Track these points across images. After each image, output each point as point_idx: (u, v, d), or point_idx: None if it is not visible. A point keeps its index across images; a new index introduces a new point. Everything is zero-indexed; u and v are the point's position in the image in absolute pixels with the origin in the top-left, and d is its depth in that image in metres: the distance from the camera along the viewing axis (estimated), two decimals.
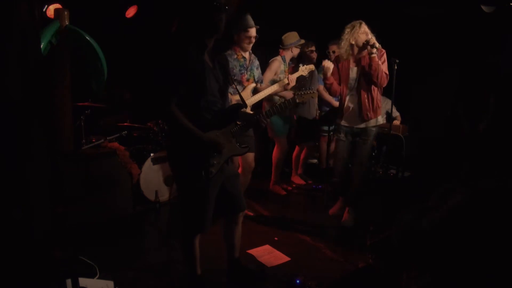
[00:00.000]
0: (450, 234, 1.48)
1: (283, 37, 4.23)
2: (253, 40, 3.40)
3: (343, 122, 3.42)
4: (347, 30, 3.29)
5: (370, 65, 3.21)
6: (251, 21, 3.36)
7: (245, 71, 3.47)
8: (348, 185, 3.51)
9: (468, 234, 1.45)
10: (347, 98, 3.38)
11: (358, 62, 3.33)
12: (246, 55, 3.49)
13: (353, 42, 3.26)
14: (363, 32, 3.23)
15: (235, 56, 3.42)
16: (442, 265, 1.49)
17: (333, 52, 4.40)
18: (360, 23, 3.25)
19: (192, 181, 2.16)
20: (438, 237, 1.50)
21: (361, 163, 3.46)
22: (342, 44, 3.31)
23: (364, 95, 3.31)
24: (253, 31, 3.36)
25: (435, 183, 1.81)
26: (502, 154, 1.56)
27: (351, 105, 3.37)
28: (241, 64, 3.44)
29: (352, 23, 3.29)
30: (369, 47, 3.19)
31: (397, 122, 5.16)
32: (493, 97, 1.65)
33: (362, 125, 3.37)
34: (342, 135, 3.44)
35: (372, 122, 3.37)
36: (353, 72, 3.34)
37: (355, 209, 3.55)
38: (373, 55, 3.18)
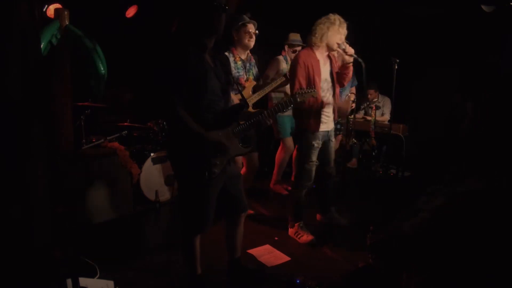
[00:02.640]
0: (433, 235, 1.48)
1: (289, 35, 4.20)
2: (254, 36, 3.37)
3: (321, 127, 3.06)
4: (327, 21, 2.95)
5: (345, 74, 3.07)
6: (247, 18, 3.38)
7: (244, 73, 3.46)
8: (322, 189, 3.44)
9: (450, 234, 1.45)
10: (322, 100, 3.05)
11: (327, 60, 3.09)
12: (244, 56, 3.48)
13: (325, 37, 2.95)
14: (340, 34, 2.95)
15: (233, 59, 3.41)
16: (431, 265, 1.49)
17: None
18: (343, 23, 2.96)
19: (193, 181, 2.16)
20: (422, 239, 1.50)
21: (332, 162, 3.36)
22: (318, 32, 2.97)
23: (336, 95, 3.17)
24: (251, 26, 3.36)
25: (434, 183, 1.81)
26: (487, 156, 1.57)
27: (327, 108, 3.09)
28: (238, 66, 3.43)
29: (336, 16, 2.96)
30: (347, 57, 2.98)
31: (385, 118, 5.32)
32: (470, 102, 1.66)
33: (332, 125, 3.22)
34: (318, 142, 3.10)
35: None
36: (325, 71, 3.05)
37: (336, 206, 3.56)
38: (350, 64, 3.02)
